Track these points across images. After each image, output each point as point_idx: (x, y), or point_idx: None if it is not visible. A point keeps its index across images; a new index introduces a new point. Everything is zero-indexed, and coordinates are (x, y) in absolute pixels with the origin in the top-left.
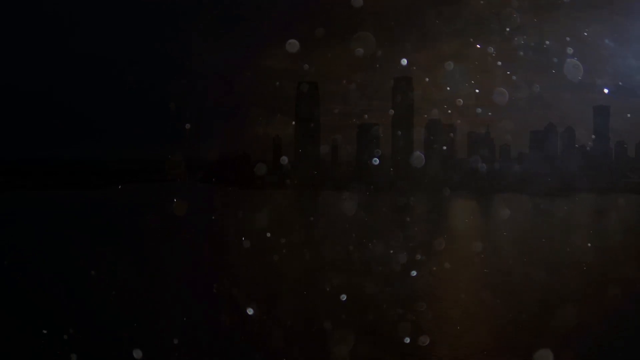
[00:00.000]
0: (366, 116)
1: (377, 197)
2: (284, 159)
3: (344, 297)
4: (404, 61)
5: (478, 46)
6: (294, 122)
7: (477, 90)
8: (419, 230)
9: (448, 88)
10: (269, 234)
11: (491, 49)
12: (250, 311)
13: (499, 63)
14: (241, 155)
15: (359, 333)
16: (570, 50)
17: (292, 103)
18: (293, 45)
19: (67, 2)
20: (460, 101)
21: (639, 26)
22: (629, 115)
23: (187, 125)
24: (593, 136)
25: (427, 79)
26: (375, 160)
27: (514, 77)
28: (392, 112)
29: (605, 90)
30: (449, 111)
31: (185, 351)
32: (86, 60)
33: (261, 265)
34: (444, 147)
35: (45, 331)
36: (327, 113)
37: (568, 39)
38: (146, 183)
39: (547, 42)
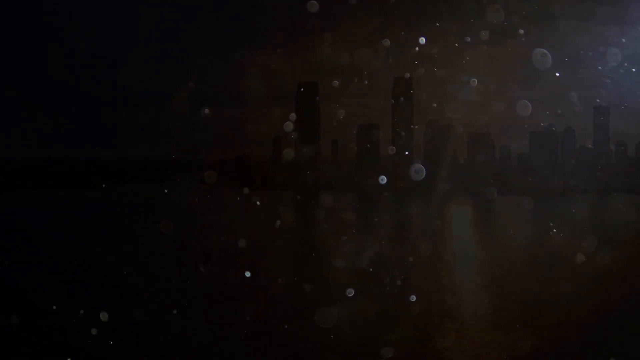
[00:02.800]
0: (366, 116)
1: (376, 197)
2: (287, 153)
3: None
4: (422, 40)
5: (478, 46)
6: (293, 122)
7: (477, 90)
8: (416, 232)
9: (448, 88)
10: (264, 235)
11: (492, 49)
12: (247, 274)
13: (500, 63)
14: (241, 155)
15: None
16: (570, 50)
17: (292, 103)
18: (313, 5)
19: (67, 2)
20: (461, 101)
21: None
22: (629, 115)
23: (187, 126)
24: (593, 136)
25: (427, 79)
26: (382, 179)
27: (514, 77)
28: (392, 112)
29: (605, 91)
30: (449, 111)
31: (184, 349)
32: (86, 60)
33: (259, 265)
34: (444, 147)
35: (45, 331)
36: (327, 113)
37: (569, 38)
38: (146, 183)
39: (548, 42)
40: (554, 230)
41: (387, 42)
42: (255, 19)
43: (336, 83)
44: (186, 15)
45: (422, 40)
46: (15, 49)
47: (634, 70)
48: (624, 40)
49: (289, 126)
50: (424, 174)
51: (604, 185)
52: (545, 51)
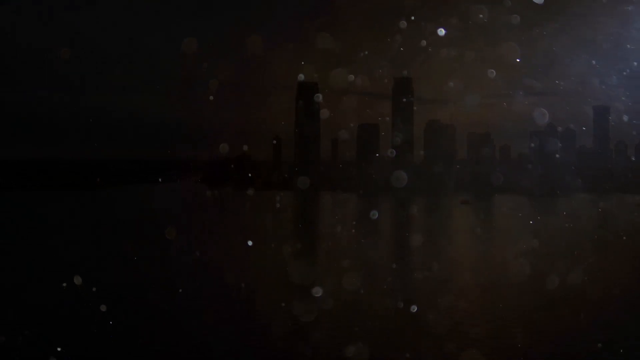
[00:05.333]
0: (366, 116)
1: (376, 198)
2: (286, 153)
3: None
4: (441, 31)
5: (479, 46)
6: (294, 122)
7: (477, 90)
8: (414, 233)
9: (448, 88)
10: (263, 234)
11: (492, 50)
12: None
13: (500, 63)
14: (241, 155)
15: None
16: (570, 49)
17: (292, 103)
18: (314, 6)
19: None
20: (461, 101)
21: None
22: (629, 115)
23: (187, 125)
24: (593, 136)
25: (427, 79)
26: (374, 214)
27: (514, 77)
28: (392, 112)
29: (605, 91)
30: (449, 111)
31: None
32: (86, 60)
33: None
34: (444, 147)
35: (45, 330)
36: (327, 113)
37: (569, 38)
38: (146, 183)
39: (549, 42)
40: (552, 230)
41: (387, 43)
42: (257, 19)
43: (337, 83)
44: (185, 15)
45: (423, 42)
46: (15, 49)
47: (634, 70)
48: (624, 40)
49: (289, 126)
50: (406, 181)
51: (604, 185)
52: (513, 44)
